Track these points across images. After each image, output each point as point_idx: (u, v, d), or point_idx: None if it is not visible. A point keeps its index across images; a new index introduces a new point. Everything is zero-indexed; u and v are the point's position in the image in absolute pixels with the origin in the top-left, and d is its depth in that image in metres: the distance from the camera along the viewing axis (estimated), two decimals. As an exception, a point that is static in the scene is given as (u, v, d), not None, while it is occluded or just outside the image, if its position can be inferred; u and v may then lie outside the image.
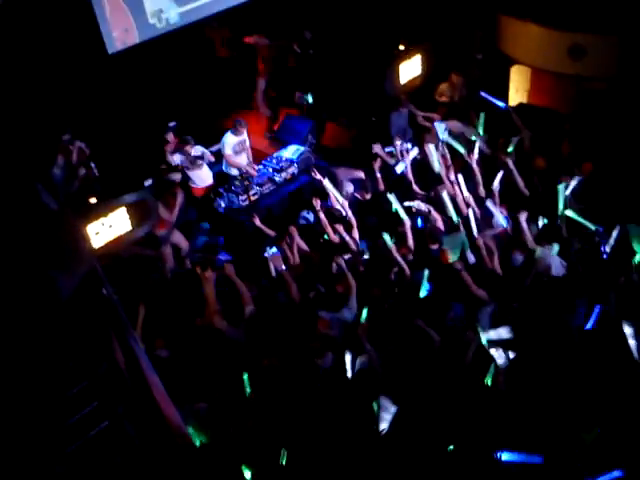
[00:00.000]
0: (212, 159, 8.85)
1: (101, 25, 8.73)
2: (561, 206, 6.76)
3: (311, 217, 7.68)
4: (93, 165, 8.59)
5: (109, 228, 7.28)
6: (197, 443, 4.78)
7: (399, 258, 6.30)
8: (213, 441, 4.76)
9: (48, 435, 2.38)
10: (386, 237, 6.42)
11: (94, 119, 9.02)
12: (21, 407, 1.79)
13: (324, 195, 7.61)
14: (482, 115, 8.24)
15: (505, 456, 4.38)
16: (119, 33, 9.05)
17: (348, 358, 5.24)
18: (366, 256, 6.80)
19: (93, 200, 7.55)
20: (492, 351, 5.06)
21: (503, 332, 5.22)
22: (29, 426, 1.98)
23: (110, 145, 9.04)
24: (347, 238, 6.79)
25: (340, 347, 5.38)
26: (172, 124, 10.30)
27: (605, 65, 9.26)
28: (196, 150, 8.65)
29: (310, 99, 10.43)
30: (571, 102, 9.86)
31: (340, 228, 6.86)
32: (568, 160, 7.86)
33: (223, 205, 8.50)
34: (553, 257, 6.15)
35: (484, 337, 5.09)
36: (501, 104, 8.56)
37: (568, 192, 6.89)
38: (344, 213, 7.29)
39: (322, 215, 7.13)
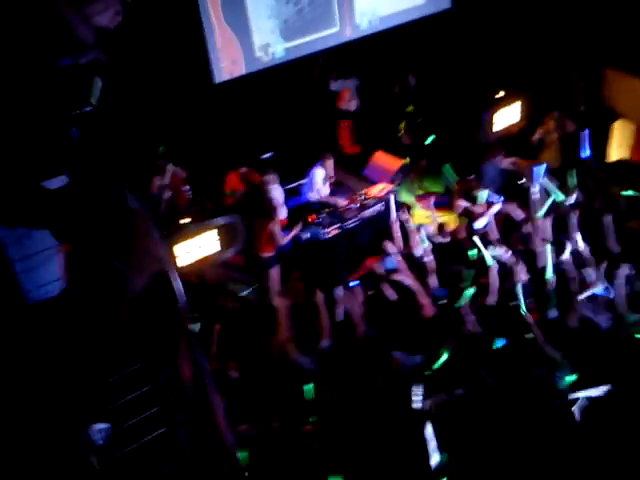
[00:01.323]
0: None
1: (211, 55, 9.22)
2: None
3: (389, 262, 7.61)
4: (188, 188, 8.99)
5: (199, 248, 7.61)
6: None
7: (469, 315, 6.13)
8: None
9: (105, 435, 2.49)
10: (469, 292, 6.28)
11: (195, 143, 9.44)
12: (80, 402, 1.88)
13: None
14: (574, 171, 8.05)
15: None
16: (227, 64, 9.50)
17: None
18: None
19: (186, 220, 7.90)
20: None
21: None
22: (85, 421, 2.07)
23: (207, 170, 9.39)
24: (415, 287, 6.57)
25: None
26: (267, 155, 10.63)
27: None
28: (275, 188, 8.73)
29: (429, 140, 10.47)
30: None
31: (403, 277, 6.70)
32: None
33: (306, 236, 8.63)
34: None
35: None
36: (586, 153, 8.30)
37: None
38: (424, 257, 7.20)
39: (399, 258, 7.08)
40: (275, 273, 8.36)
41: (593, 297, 6.33)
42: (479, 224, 7.66)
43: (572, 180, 8.09)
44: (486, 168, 9.26)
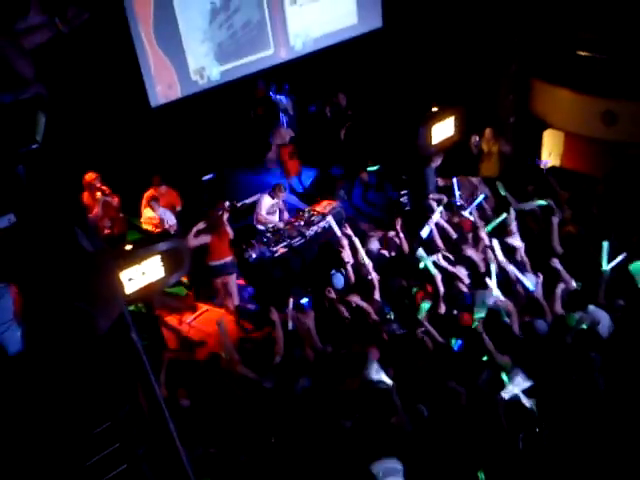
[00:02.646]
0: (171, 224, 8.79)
1: (146, 80, 9.15)
2: (605, 264, 6.68)
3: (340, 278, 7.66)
4: (123, 216, 8.88)
5: (142, 275, 7.45)
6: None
7: (427, 324, 6.23)
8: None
9: (68, 475, 2.42)
10: (424, 306, 6.34)
11: (135, 168, 9.33)
12: (43, 443, 1.84)
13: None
14: (500, 184, 8.35)
15: None
16: (162, 88, 9.44)
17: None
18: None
19: (128, 247, 7.76)
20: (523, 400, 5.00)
21: (521, 381, 5.12)
22: (49, 464, 2.03)
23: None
24: (363, 305, 6.63)
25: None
26: (208, 177, 10.61)
27: (637, 132, 9.29)
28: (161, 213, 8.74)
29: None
30: (605, 166, 9.86)
31: (355, 298, 6.71)
32: (601, 224, 7.83)
33: (254, 256, 8.62)
34: (602, 313, 6.07)
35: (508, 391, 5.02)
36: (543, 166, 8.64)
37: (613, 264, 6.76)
38: (368, 273, 7.20)
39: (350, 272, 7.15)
40: (233, 280, 8.43)
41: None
42: (423, 232, 7.79)
43: (502, 190, 8.34)
44: (427, 173, 9.46)
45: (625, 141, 9.46)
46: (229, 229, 8.30)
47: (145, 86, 9.15)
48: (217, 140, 10.81)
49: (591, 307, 6.15)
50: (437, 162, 9.47)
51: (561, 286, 6.44)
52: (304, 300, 7.24)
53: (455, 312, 6.53)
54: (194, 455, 4.65)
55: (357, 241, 7.58)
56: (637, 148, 9.37)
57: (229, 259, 8.35)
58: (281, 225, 9.03)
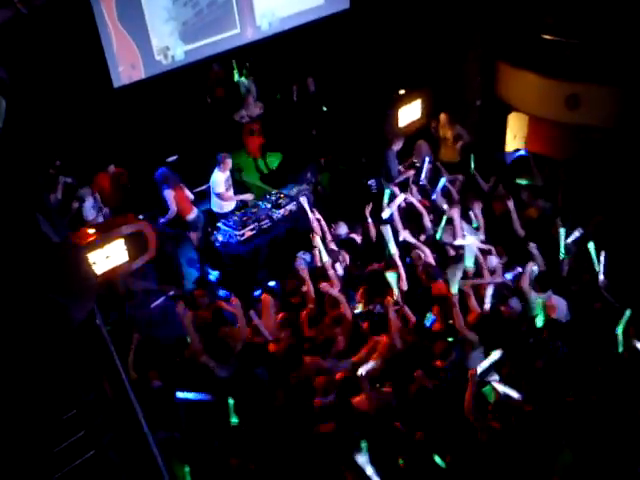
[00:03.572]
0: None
1: (108, 60, 8.94)
2: (562, 251, 6.81)
3: (308, 258, 7.65)
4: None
5: (106, 259, 7.36)
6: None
7: (401, 302, 6.25)
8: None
9: (35, 462, 2.39)
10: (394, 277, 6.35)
11: (93, 151, 9.16)
12: (10, 432, 1.81)
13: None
14: (472, 156, 8.44)
15: None
16: (125, 68, 9.25)
17: None
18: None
19: (91, 231, 7.64)
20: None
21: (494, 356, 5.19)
22: (16, 452, 2.00)
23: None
24: (334, 294, 6.47)
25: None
26: (172, 158, 10.46)
27: (601, 115, 9.43)
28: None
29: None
30: (568, 150, 10.01)
31: (327, 288, 6.56)
32: (563, 208, 7.98)
33: (220, 239, 8.55)
34: (560, 300, 6.17)
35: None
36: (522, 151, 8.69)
37: (569, 240, 6.91)
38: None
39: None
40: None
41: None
42: (384, 214, 7.79)
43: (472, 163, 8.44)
44: (388, 156, 9.47)
45: (588, 125, 9.59)
46: (187, 191, 8.70)
47: (108, 66, 8.97)
48: (181, 122, 10.65)
49: (549, 293, 6.27)
50: (398, 146, 9.46)
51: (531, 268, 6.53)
52: (272, 283, 7.25)
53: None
54: (160, 438, 4.64)
55: (325, 226, 7.58)
56: (600, 132, 9.53)
57: (197, 211, 8.80)
58: (248, 197, 9.15)
